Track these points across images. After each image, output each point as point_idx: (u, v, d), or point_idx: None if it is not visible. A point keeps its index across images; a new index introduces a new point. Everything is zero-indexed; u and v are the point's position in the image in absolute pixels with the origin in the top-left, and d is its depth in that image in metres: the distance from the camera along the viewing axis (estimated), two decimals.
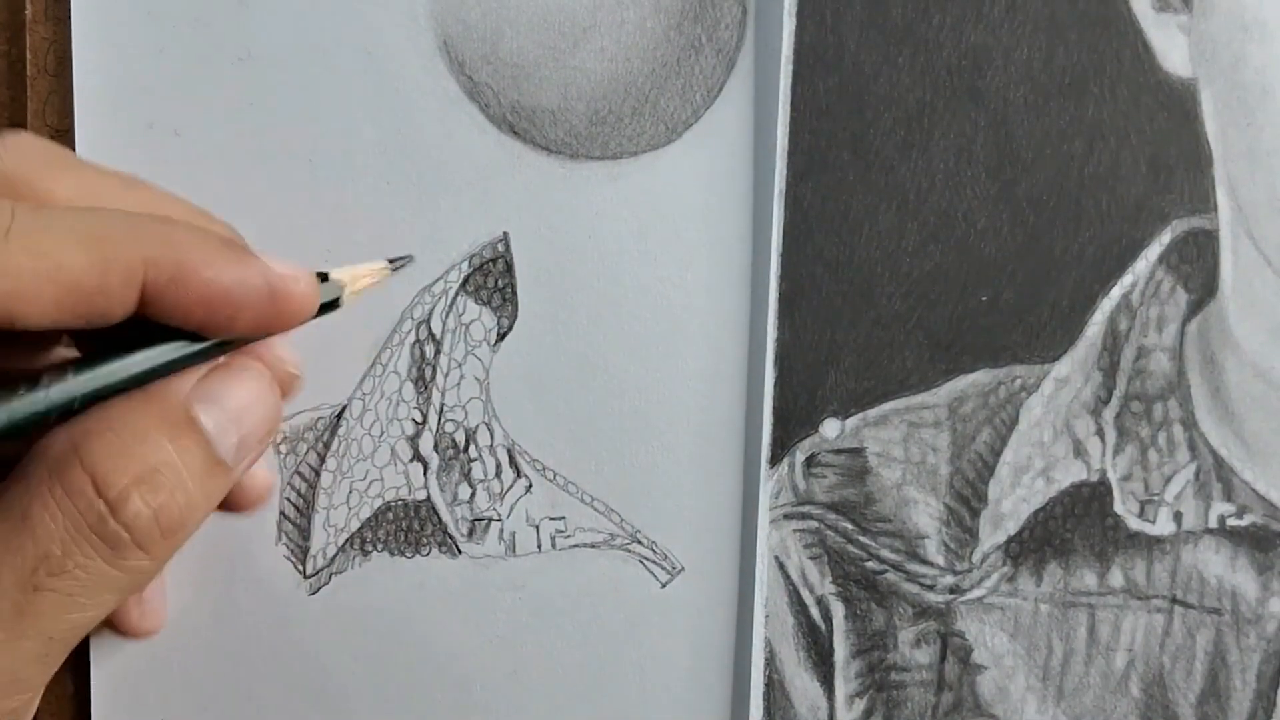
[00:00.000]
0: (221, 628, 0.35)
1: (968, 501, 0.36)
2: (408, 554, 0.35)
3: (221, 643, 0.35)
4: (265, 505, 0.33)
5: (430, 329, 0.35)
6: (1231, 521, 0.36)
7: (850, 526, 0.36)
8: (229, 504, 0.31)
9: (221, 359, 0.28)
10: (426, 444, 0.35)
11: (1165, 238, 0.35)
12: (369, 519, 0.35)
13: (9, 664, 0.25)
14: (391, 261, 0.32)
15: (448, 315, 0.35)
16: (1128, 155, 0.35)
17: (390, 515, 0.35)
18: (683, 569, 0.36)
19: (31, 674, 0.25)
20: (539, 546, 0.35)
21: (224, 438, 0.27)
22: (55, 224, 0.25)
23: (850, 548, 0.36)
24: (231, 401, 0.28)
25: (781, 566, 0.36)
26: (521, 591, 0.35)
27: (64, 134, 0.33)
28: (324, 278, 0.30)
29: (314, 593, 0.35)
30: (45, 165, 0.27)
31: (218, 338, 0.27)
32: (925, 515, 0.36)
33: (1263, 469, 0.36)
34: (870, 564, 0.36)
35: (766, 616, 0.36)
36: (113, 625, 0.32)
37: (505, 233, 0.34)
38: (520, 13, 0.34)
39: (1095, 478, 0.36)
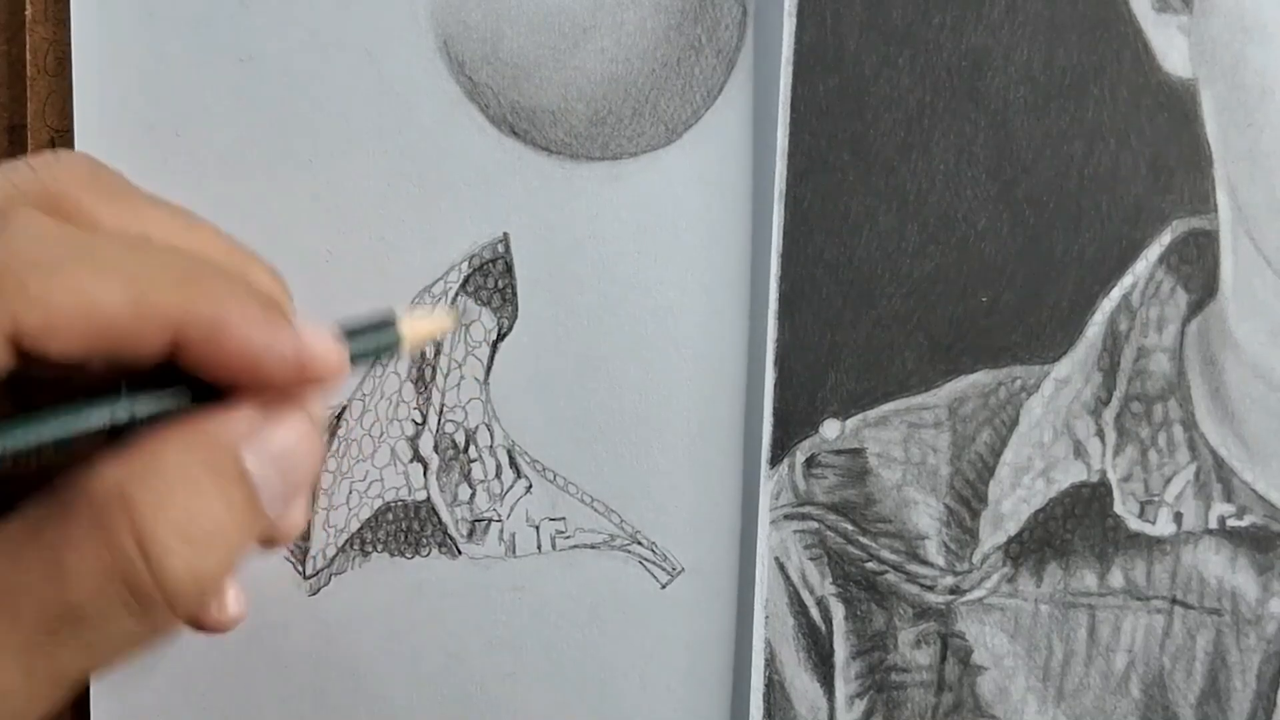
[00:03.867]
0: None
1: (968, 502, 0.36)
2: (408, 554, 0.35)
3: (221, 643, 0.35)
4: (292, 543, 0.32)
5: None
6: (1231, 522, 0.36)
7: (850, 527, 0.36)
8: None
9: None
10: (426, 444, 0.35)
11: (1165, 238, 0.35)
12: (369, 519, 0.35)
13: (14, 699, 0.24)
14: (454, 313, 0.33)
15: None
16: (1128, 156, 0.35)
17: (390, 516, 0.35)
18: (683, 570, 0.36)
19: (33, 709, 0.25)
20: (539, 547, 0.35)
21: (268, 488, 0.27)
22: (98, 257, 0.24)
23: (850, 548, 0.36)
24: (280, 450, 0.27)
25: (781, 567, 0.36)
26: (521, 592, 0.35)
27: (64, 134, 0.33)
28: (390, 323, 0.30)
29: (314, 593, 0.35)
30: (95, 189, 0.26)
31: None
32: (925, 516, 0.36)
33: (1262, 469, 0.36)
34: (870, 565, 0.36)
35: (766, 617, 0.36)
36: (192, 624, 0.31)
37: (505, 233, 0.35)
38: (520, 13, 0.34)
39: (1095, 478, 0.36)
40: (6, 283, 0.23)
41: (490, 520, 0.35)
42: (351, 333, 0.30)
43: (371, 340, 0.29)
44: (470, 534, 0.35)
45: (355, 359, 0.30)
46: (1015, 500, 0.36)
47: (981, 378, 0.36)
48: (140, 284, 0.25)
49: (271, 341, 0.26)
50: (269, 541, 0.28)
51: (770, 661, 0.36)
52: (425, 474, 0.35)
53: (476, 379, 0.35)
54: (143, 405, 0.26)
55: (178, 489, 0.25)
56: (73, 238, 0.25)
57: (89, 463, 0.26)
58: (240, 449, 0.26)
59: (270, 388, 0.27)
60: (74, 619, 0.24)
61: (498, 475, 0.35)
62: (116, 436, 0.25)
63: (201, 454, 0.26)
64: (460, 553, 0.35)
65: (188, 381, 0.27)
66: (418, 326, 0.30)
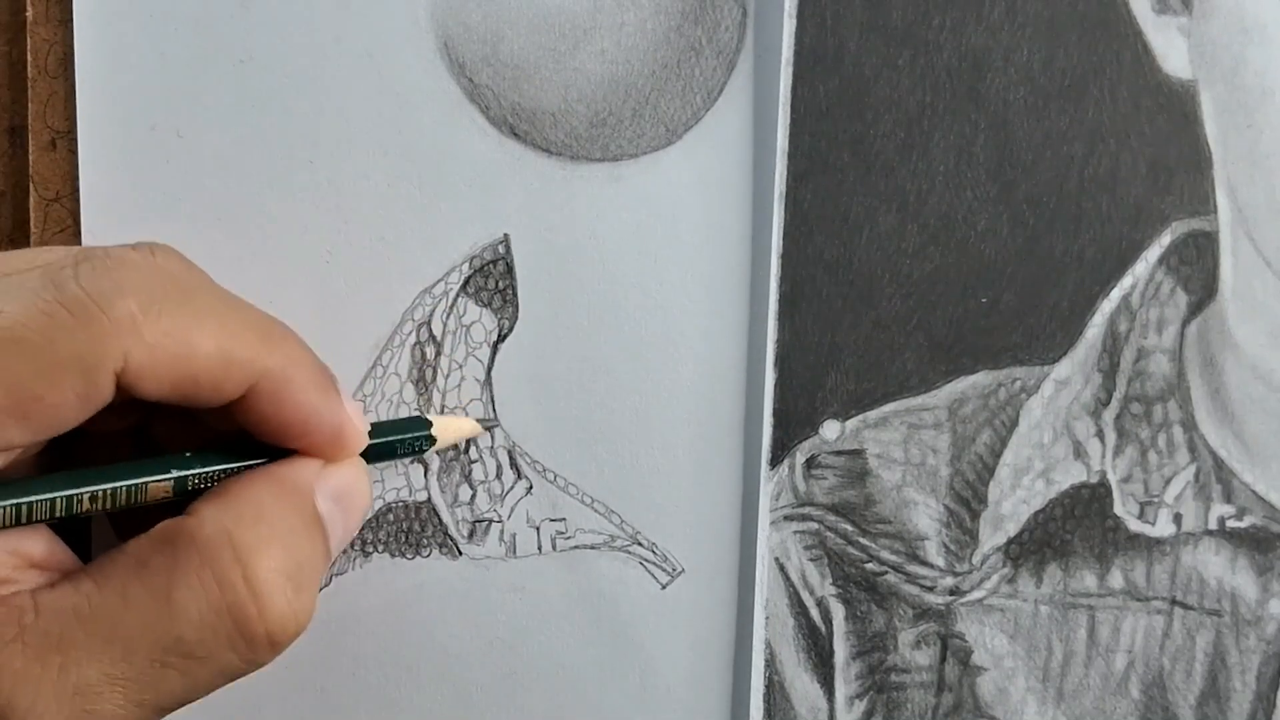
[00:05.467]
0: None
1: (968, 503, 0.36)
2: (408, 555, 0.35)
3: None
4: None
5: (431, 330, 0.35)
6: (1231, 523, 0.36)
7: (850, 528, 0.36)
8: None
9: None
10: None
11: (1165, 239, 0.35)
12: (369, 520, 0.35)
13: None
14: (481, 421, 0.34)
15: (448, 317, 0.35)
16: (1127, 157, 0.35)
17: (391, 516, 0.35)
18: (683, 570, 0.36)
19: None
20: (539, 548, 0.35)
21: (334, 532, 0.29)
22: (202, 309, 0.26)
23: (850, 549, 0.36)
24: (340, 491, 0.29)
25: (782, 568, 0.36)
26: (522, 593, 0.35)
27: (65, 136, 0.33)
28: (426, 423, 0.33)
29: None
30: (160, 300, 0.26)
31: (270, 448, 0.29)
32: (925, 517, 0.36)
33: (1262, 471, 0.36)
34: (870, 565, 0.36)
35: (767, 618, 0.36)
36: None
37: (506, 234, 0.35)
38: (521, 14, 0.34)
39: (1095, 479, 0.36)
40: (123, 321, 0.24)
41: (491, 521, 0.35)
42: (386, 427, 0.32)
43: (403, 432, 0.31)
44: (471, 535, 0.35)
45: (389, 452, 0.32)
46: (1015, 501, 0.36)
47: (981, 379, 0.36)
48: (234, 341, 0.26)
49: (324, 409, 0.28)
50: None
51: (770, 662, 0.36)
52: (426, 475, 0.35)
53: (477, 380, 0.35)
54: (209, 461, 0.28)
55: (276, 532, 0.26)
56: (176, 282, 0.26)
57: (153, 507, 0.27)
58: (314, 490, 0.28)
59: (303, 448, 0.28)
60: (181, 653, 0.25)
61: (498, 476, 0.35)
62: (180, 488, 0.27)
63: (290, 498, 0.27)
64: (461, 553, 0.35)
65: (220, 443, 0.29)
66: (448, 427, 0.33)
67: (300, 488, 0.28)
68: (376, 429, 0.31)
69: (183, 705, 0.26)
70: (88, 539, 0.32)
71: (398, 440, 0.32)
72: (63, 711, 0.24)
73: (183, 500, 0.27)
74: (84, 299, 0.24)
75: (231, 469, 0.28)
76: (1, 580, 0.25)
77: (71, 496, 0.26)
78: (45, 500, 0.26)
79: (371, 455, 0.31)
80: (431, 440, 0.33)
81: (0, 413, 0.23)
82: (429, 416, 0.34)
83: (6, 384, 0.23)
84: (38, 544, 0.26)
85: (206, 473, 0.28)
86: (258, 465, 0.28)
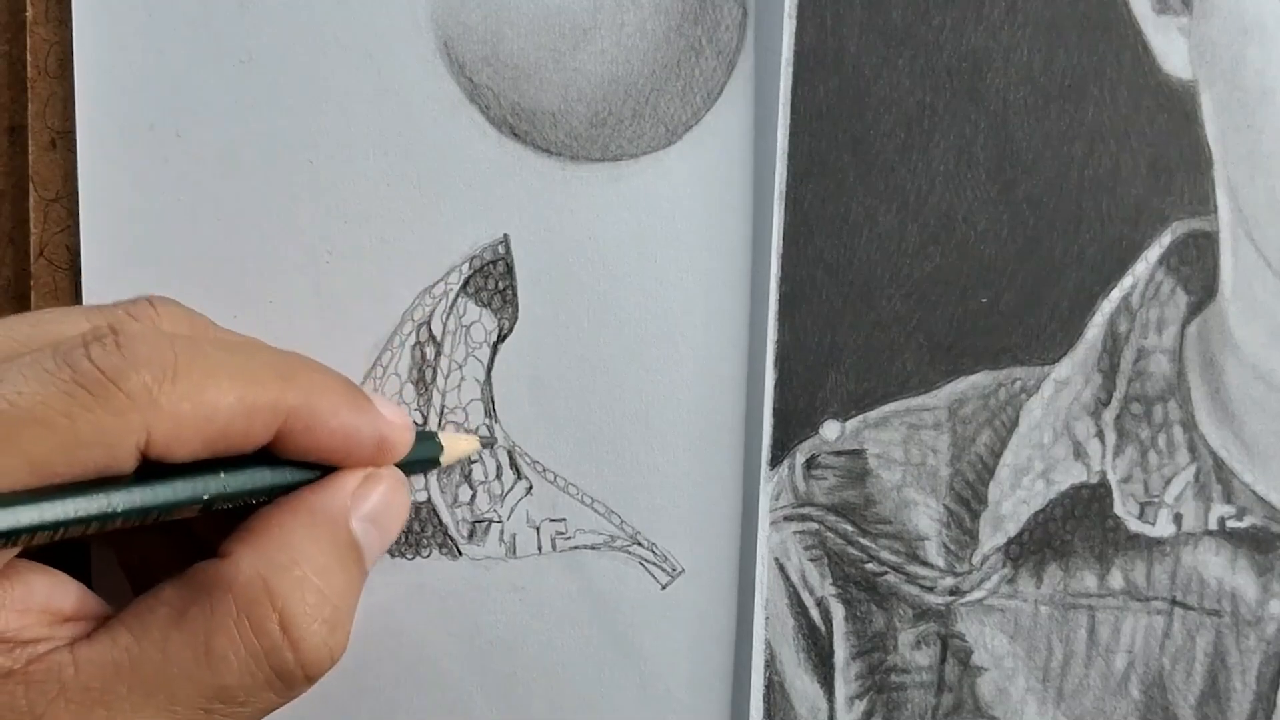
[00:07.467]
0: None
1: (968, 503, 0.36)
2: (408, 555, 0.35)
3: None
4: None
5: (430, 331, 0.35)
6: (1231, 523, 0.36)
7: (850, 528, 0.36)
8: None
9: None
10: None
11: (1165, 240, 0.35)
12: None
13: None
14: (481, 438, 0.35)
15: (448, 317, 0.35)
16: (1128, 157, 0.35)
17: None
18: (683, 570, 0.36)
19: None
20: (539, 548, 0.35)
21: (371, 551, 0.29)
22: (213, 366, 0.26)
23: (850, 549, 0.36)
24: (379, 515, 0.30)
25: (781, 568, 0.36)
26: (521, 593, 0.35)
27: (65, 136, 0.33)
28: (429, 435, 0.33)
29: None
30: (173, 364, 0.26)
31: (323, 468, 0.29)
32: (925, 517, 0.36)
33: (1263, 471, 0.36)
34: (870, 566, 0.36)
35: (766, 618, 0.36)
36: None
37: (505, 235, 0.35)
38: (520, 14, 0.34)
39: (1095, 479, 0.36)
40: (140, 395, 0.25)
41: (491, 521, 0.35)
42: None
43: (416, 450, 0.32)
44: (471, 535, 0.35)
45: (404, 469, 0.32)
46: (1015, 501, 0.36)
47: (981, 379, 0.36)
48: (251, 387, 0.27)
49: (361, 426, 0.29)
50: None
51: (770, 662, 0.36)
52: (425, 475, 0.35)
53: (476, 380, 0.35)
54: (240, 480, 0.28)
55: (311, 571, 0.27)
56: (188, 349, 0.26)
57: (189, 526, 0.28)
58: (349, 516, 0.28)
59: (352, 463, 0.29)
60: (224, 699, 0.26)
61: (498, 476, 0.35)
62: (209, 507, 0.27)
63: (324, 531, 0.28)
64: (461, 554, 0.35)
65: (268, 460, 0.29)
66: (454, 444, 0.33)
67: (334, 516, 0.28)
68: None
69: None
70: (86, 559, 0.32)
71: (411, 460, 0.32)
72: None
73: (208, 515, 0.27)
74: (99, 377, 0.24)
75: (263, 490, 0.28)
76: (37, 639, 0.25)
77: (105, 515, 0.25)
78: (79, 519, 0.25)
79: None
80: (437, 463, 0.33)
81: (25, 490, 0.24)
82: (435, 432, 0.34)
83: (32, 462, 0.24)
84: (68, 597, 0.26)
85: (237, 494, 0.28)
86: (293, 487, 0.28)
